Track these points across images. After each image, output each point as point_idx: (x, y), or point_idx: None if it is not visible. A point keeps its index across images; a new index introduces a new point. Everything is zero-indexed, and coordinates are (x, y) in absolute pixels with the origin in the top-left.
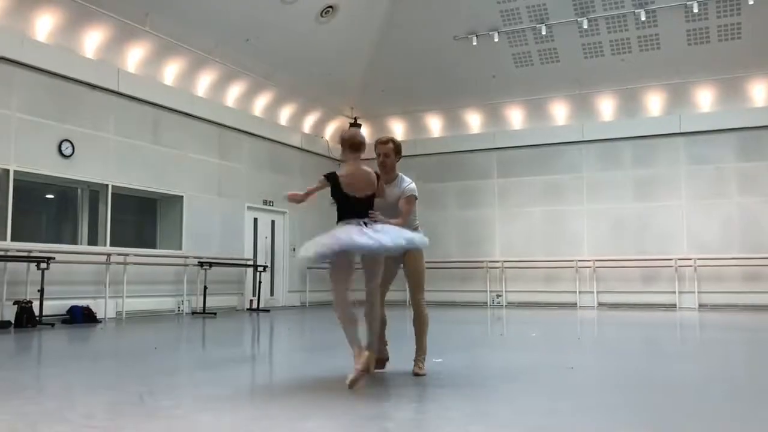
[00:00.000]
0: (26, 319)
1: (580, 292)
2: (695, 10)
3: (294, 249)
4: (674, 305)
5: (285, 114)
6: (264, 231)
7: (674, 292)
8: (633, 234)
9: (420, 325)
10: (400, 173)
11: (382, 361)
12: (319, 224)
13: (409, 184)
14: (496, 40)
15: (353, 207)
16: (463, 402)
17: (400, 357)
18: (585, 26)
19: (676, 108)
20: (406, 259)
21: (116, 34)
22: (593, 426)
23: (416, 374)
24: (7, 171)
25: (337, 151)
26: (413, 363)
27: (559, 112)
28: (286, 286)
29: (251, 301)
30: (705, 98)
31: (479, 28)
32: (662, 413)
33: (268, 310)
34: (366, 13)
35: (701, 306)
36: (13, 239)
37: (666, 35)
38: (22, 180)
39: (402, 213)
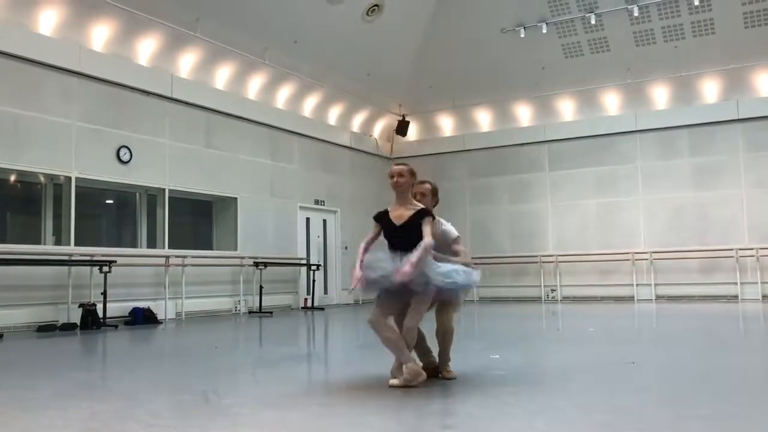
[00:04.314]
0: (91, 321)
1: (637, 284)
2: None
3: (346, 248)
4: (736, 296)
5: (334, 114)
6: (316, 230)
7: (736, 283)
8: (691, 224)
9: (445, 340)
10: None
11: (434, 369)
12: (371, 223)
13: (449, 225)
14: (545, 31)
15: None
16: (524, 398)
17: (454, 355)
18: (636, 13)
19: (733, 94)
20: None
21: (168, 41)
22: (664, 422)
23: (446, 378)
24: (69, 178)
25: (385, 148)
26: (439, 371)
27: (611, 102)
28: (339, 284)
29: (306, 299)
30: (764, 82)
31: (527, 19)
32: (732, 407)
33: (322, 309)
34: (412, 10)
35: (765, 297)
36: (76, 244)
37: (721, 19)
38: (83, 186)
39: (457, 253)
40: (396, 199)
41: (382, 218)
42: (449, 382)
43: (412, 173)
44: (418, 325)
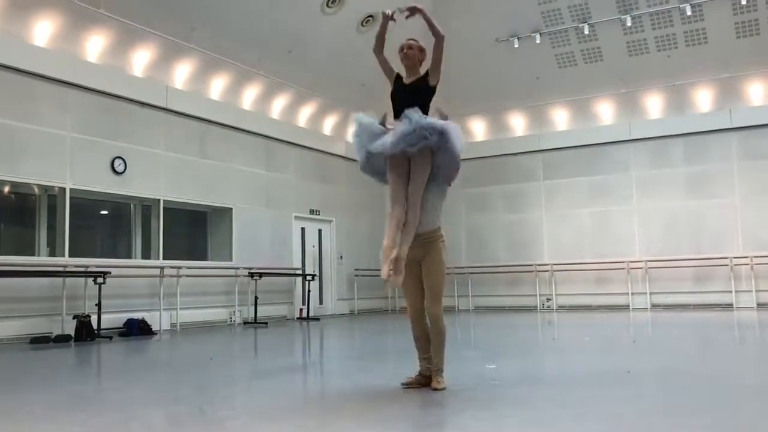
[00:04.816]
0: (85, 332)
1: (632, 293)
2: (743, 2)
3: (341, 257)
4: (731, 305)
5: (329, 123)
6: (311, 240)
7: (730, 292)
8: (686, 233)
9: (436, 338)
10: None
11: (427, 378)
12: (366, 233)
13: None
14: (538, 41)
15: None
16: (520, 408)
17: (449, 365)
18: (629, 23)
19: (726, 102)
20: (424, 262)
21: (163, 52)
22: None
23: (434, 389)
24: (64, 189)
25: None
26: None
27: (605, 111)
28: (334, 294)
29: (301, 310)
30: (756, 91)
31: (521, 30)
32: (730, 416)
33: (317, 319)
34: (406, 21)
35: (760, 305)
36: (70, 255)
37: (713, 29)
38: (77, 197)
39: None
40: (405, 73)
41: (397, 77)
42: (445, 392)
43: (421, 49)
44: (420, 197)
